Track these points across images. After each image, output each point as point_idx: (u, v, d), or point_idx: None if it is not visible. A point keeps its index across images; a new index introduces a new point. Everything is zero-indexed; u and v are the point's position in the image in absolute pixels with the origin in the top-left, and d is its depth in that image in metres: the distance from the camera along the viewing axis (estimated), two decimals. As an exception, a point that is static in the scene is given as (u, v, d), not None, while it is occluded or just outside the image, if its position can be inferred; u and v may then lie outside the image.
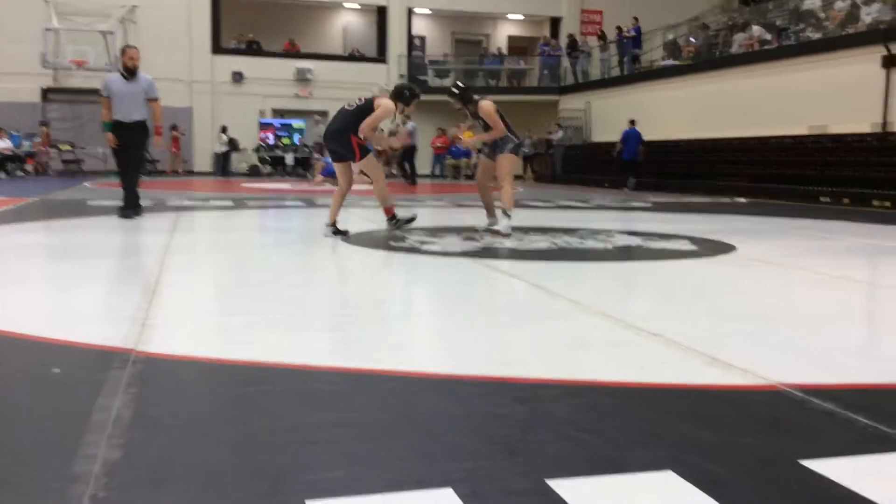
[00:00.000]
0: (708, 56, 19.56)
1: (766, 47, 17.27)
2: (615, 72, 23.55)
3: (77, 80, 23.66)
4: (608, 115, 21.41)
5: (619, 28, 23.43)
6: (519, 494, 1.72)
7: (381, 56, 28.54)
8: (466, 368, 2.77)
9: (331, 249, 6.52)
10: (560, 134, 24.16)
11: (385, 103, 7.06)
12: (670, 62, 20.71)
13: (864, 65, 14.12)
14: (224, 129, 25.20)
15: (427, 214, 10.00)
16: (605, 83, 23.57)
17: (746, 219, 10.28)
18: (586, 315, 3.76)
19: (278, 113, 27.08)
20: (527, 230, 7.65)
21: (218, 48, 26.72)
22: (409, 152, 20.36)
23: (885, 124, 13.80)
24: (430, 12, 29.84)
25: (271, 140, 26.28)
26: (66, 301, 4.07)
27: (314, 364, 2.80)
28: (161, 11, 25.35)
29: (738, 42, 18.21)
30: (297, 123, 26.47)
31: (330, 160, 19.68)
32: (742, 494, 1.73)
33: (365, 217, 9.53)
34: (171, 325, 3.41)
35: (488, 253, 6.06)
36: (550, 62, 27.02)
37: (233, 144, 25.30)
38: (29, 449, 1.99)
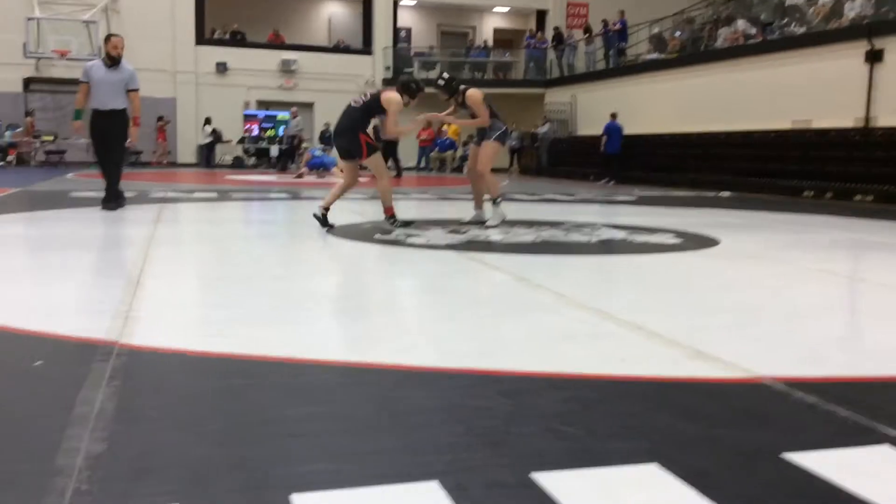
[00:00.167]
0: (693, 50, 19.61)
1: (750, 42, 17.33)
2: (601, 65, 23.56)
3: (59, 70, 23.46)
4: (594, 109, 21.44)
5: (604, 21, 23.44)
6: (503, 487, 1.73)
7: (366, 48, 28.45)
8: (450, 361, 2.77)
9: (316, 242, 6.51)
10: (546, 127, 24.19)
11: (394, 98, 7.08)
12: (656, 56, 20.75)
13: (847, 60, 14.19)
14: (208, 121, 25.06)
15: (412, 207, 9.99)
16: (591, 76, 23.58)
17: (730, 213, 10.33)
18: (570, 308, 3.77)
19: (263, 104, 26.95)
20: (512, 223, 7.66)
21: (202, 39, 26.54)
22: (392, 145, 20.33)
23: (867, 119, 13.88)
24: (415, 4, 29.78)
25: (256, 132, 26.16)
26: (49, 293, 4.04)
27: (298, 357, 2.79)
28: (144, 1, 25.16)
29: (723, 36, 18.26)
30: (281, 115, 26.34)
31: (316, 153, 19.71)
32: (725, 487, 1.74)
33: (351, 210, 9.51)
34: (155, 318, 3.39)
35: (473, 246, 6.06)
36: (536, 55, 27.01)
37: (216, 136, 25.16)
38: (11, 442, 1.98)
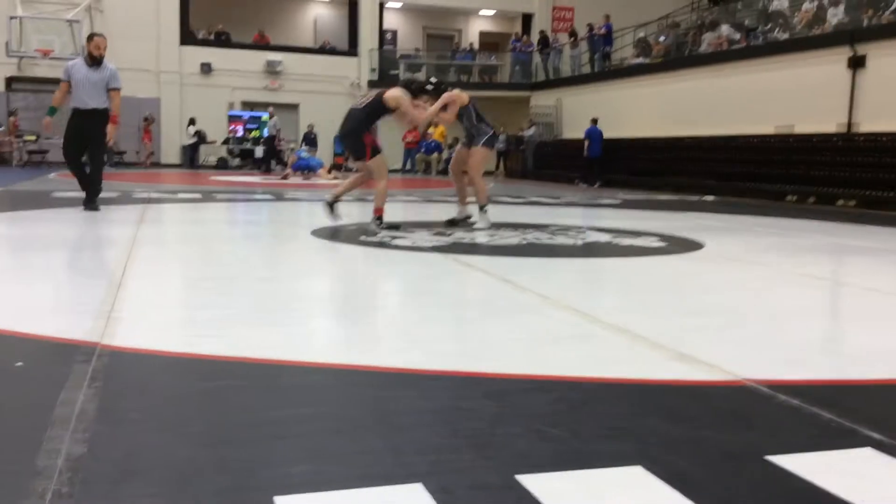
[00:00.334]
0: (677, 55, 19.72)
1: (734, 47, 17.44)
2: (586, 69, 23.64)
3: (42, 70, 23.29)
4: (579, 112, 21.51)
5: (590, 25, 23.51)
6: (488, 489, 1.72)
7: (352, 49, 28.42)
8: (435, 363, 2.77)
9: (300, 243, 6.49)
10: (532, 130, 24.25)
11: (400, 95, 7.14)
12: (640, 60, 20.85)
13: (830, 66, 14.30)
14: (192, 122, 24.95)
15: (398, 209, 9.97)
16: (576, 80, 23.66)
17: (714, 216, 10.38)
18: (556, 310, 3.77)
19: (248, 105, 26.87)
20: (498, 226, 7.67)
21: (186, 39, 26.43)
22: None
23: (850, 125, 14.00)
24: (401, 6, 29.78)
25: (240, 132, 26.07)
26: (30, 293, 4.00)
27: (283, 358, 2.78)
28: (129, 0, 25.03)
29: (708, 41, 18.37)
30: (265, 116, 26.28)
31: (302, 154, 19.68)
32: (709, 489, 1.75)
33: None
34: (138, 319, 3.37)
35: (458, 248, 6.06)
36: (522, 58, 27.07)
37: (200, 137, 25.05)
38: (-10, 443, 1.96)
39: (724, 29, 18.02)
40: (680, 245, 6.65)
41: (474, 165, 7.71)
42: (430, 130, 24.62)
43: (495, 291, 4.38)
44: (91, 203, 8.47)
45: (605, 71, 22.44)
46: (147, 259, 5.18)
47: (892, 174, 12.84)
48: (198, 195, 11.98)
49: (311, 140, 24.11)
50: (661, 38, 20.58)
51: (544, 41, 26.20)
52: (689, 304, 4.13)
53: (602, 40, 22.79)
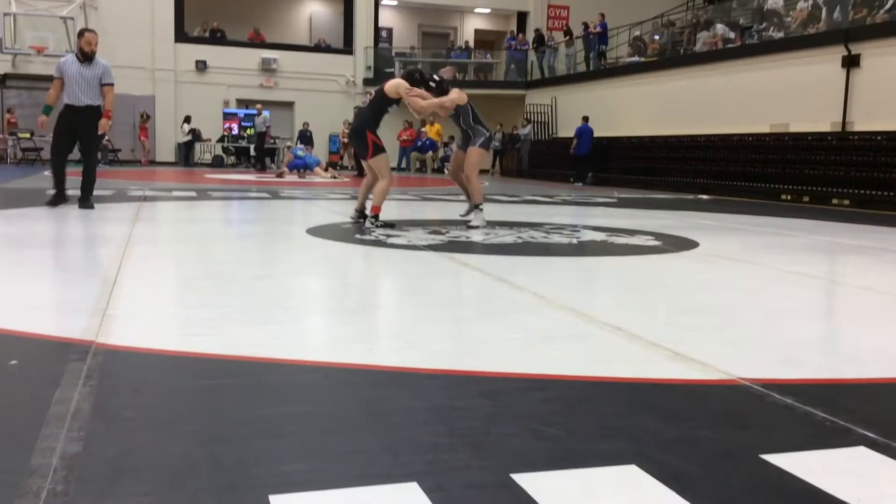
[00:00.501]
0: (673, 54, 19.75)
1: (729, 46, 17.47)
2: (581, 67, 23.66)
3: (37, 67, 23.24)
4: (574, 111, 21.53)
5: (585, 24, 23.53)
6: (483, 488, 1.72)
7: (347, 47, 28.40)
8: (430, 362, 2.77)
9: (296, 241, 6.49)
10: (528, 129, 24.26)
11: (400, 82, 7.25)
12: (635, 59, 20.87)
13: (824, 65, 14.34)
14: (187, 119, 24.90)
15: (393, 208, 9.97)
16: (571, 79, 23.68)
17: (709, 215, 10.40)
18: (551, 309, 3.78)
19: (243, 103, 26.84)
20: (493, 224, 7.68)
21: (181, 36, 26.39)
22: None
23: (844, 124, 14.04)
24: (396, 4, 29.76)
25: (235, 130, 26.03)
26: (24, 292, 3.99)
27: (277, 357, 2.78)
28: (123, -2, 24.99)
29: (703, 40, 18.39)
30: (264, 114, 26.23)
31: (298, 152, 19.69)
32: (703, 488, 1.75)
33: (331, 210, 9.50)
34: (132, 317, 3.36)
35: (453, 246, 6.06)
36: (517, 56, 27.09)
37: (195, 135, 25.01)
38: (-16, 442, 1.95)
39: (719, 28, 18.05)
40: (675, 244, 6.66)
41: (471, 165, 7.75)
42: (425, 129, 24.64)
43: (491, 290, 4.38)
44: (86, 201, 8.45)
45: (601, 69, 22.46)
46: (142, 257, 5.17)
47: (886, 173, 12.88)
48: (193, 193, 11.97)
49: (306, 138, 24.09)
50: (656, 37, 20.60)
51: (539, 39, 26.22)
52: (683, 304, 4.14)
53: (597, 39, 22.81)
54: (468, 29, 31.56)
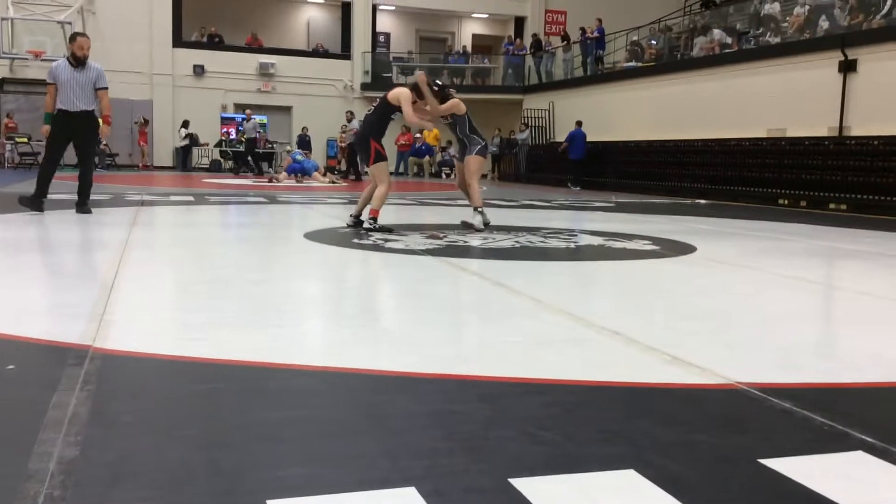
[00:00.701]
0: (670, 59, 19.78)
1: (726, 51, 17.50)
2: (578, 72, 23.69)
3: (34, 71, 23.21)
4: (571, 116, 21.55)
5: (582, 29, 23.57)
6: (481, 492, 1.72)
7: (345, 52, 28.42)
8: (429, 366, 2.77)
9: (293, 246, 6.48)
10: (526, 133, 24.29)
11: (402, 92, 7.35)
12: (633, 64, 20.90)
13: (821, 70, 14.37)
14: (185, 124, 24.89)
15: (391, 212, 9.97)
16: (569, 83, 23.71)
17: (707, 220, 10.41)
18: (549, 313, 3.78)
19: (240, 108, 26.85)
20: (491, 229, 7.68)
21: (179, 41, 26.40)
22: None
23: (841, 129, 14.06)
24: (394, 9, 29.79)
25: (233, 135, 26.03)
26: (21, 296, 3.98)
27: (275, 361, 2.77)
28: (121, 2, 25.00)
29: (700, 45, 18.43)
30: (259, 118, 26.23)
31: (297, 157, 19.71)
32: (702, 493, 1.75)
33: (329, 214, 9.50)
34: (130, 322, 3.36)
35: (451, 251, 6.06)
36: (515, 61, 27.13)
37: (192, 139, 25.00)
38: (-19, 447, 1.95)
39: (716, 33, 18.08)
40: (672, 248, 6.67)
41: (471, 173, 7.84)
42: (420, 135, 24.69)
43: (488, 295, 4.38)
44: (83, 205, 8.43)
45: (598, 74, 22.50)
46: (139, 262, 5.17)
47: (882, 178, 12.90)
48: (190, 198, 11.96)
49: (304, 143, 24.10)
50: (653, 42, 20.64)
51: (537, 44, 26.26)
52: (681, 308, 4.14)
53: (594, 44, 22.85)
54: (466, 34, 31.60)
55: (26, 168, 21.44)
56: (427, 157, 25.31)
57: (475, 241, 6.74)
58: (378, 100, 7.54)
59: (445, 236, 6.97)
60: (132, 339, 3.05)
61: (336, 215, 9.15)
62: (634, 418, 2.26)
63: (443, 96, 7.63)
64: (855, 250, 7.37)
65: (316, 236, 6.84)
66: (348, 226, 7.52)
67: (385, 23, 30.21)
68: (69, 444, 1.91)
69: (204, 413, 2.21)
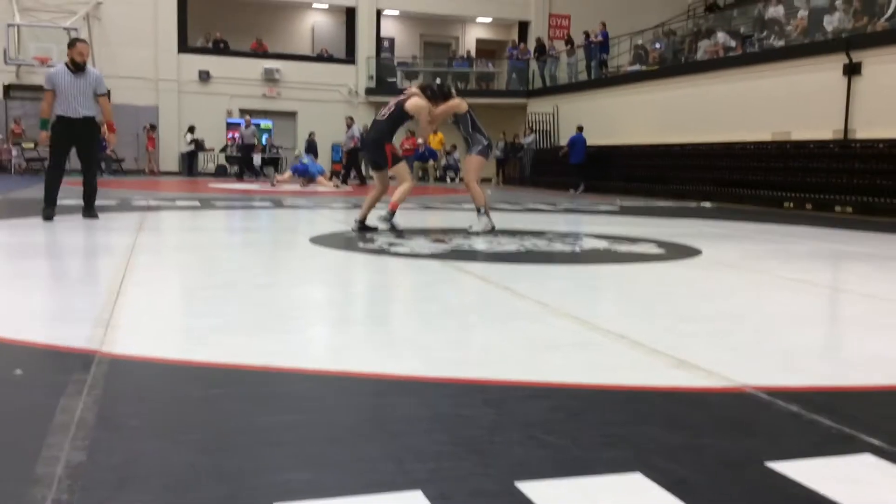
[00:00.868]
0: (674, 62, 19.77)
1: (730, 54, 17.49)
2: (582, 76, 23.69)
3: (40, 78, 23.07)
4: (576, 119, 21.56)
5: (586, 33, 23.58)
6: (487, 496, 1.72)
7: (349, 57, 28.48)
8: (434, 370, 2.77)
9: (299, 251, 6.49)
10: (531, 138, 24.30)
11: (421, 106, 7.46)
12: (637, 67, 20.90)
13: (826, 73, 14.35)
14: (191, 129, 24.96)
15: (396, 216, 9.97)
16: (573, 87, 23.72)
17: (712, 223, 10.39)
18: (553, 317, 3.77)
19: (245, 113, 26.90)
20: (496, 233, 7.68)
21: (184, 47, 26.48)
22: (353, 154, 20.70)
23: (846, 132, 14.04)
24: (398, 14, 29.84)
25: (239, 140, 26.04)
26: (28, 301, 4.00)
27: (280, 366, 2.77)
28: (127, 8, 25.08)
29: (704, 48, 18.42)
30: (264, 124, 26.29)
31: (304, 160, 19.75)
32: (709, 496, 1.75)
33: (334, 219, 9.51)
34: (137, 326, 3.36)
35: (456, 255, 6.06)
36: (519, 66, 27.15)
37: (198, 145, 25.05)
38: (-12, 451, 1.95)
39: (720, 36, 18.08)
40: (678, 251, 6.66)
41: (470, 172, 7.83)
42: (420, 140, 24.73)
43: (494, 298, 4.38)
44: (90, 211, 8.44)
45: (602, 78, 22.50)
46: (146, 267, 5.18)
47: (888, 180, 12.88)
48: (196, 203, 11.98)
49: (313, 148, 24.15)
50: (657, 46, 20.64)
51: (541, 48, 26.27)
52: (687, 311, 4.13)
53: (598, 48, 22.86)
54: (470, 38, 31.64)
55: (33, 173, 21.49)
56: (431, 162, 25.32)
57: (480, 244, 6.74)
58: (393, 106, 7.51)
59: (450, 240, 6.97)
60: (138, 343, 3.05)
61: (341, 220, 9.16)
62: (640, 422, 2.25)
63: (444, 95, 7.67)
64: (860, 253, 7.35)
65: (322, 241, 6.85)
66: (354, 230, 7.53)
67: (389, 28, 30.26)
68: (76, 449, 1.91)
69: (209, 417, 2.22)
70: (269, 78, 27.21)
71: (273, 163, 24.79)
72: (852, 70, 13.89)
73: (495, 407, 2.34)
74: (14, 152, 22.89)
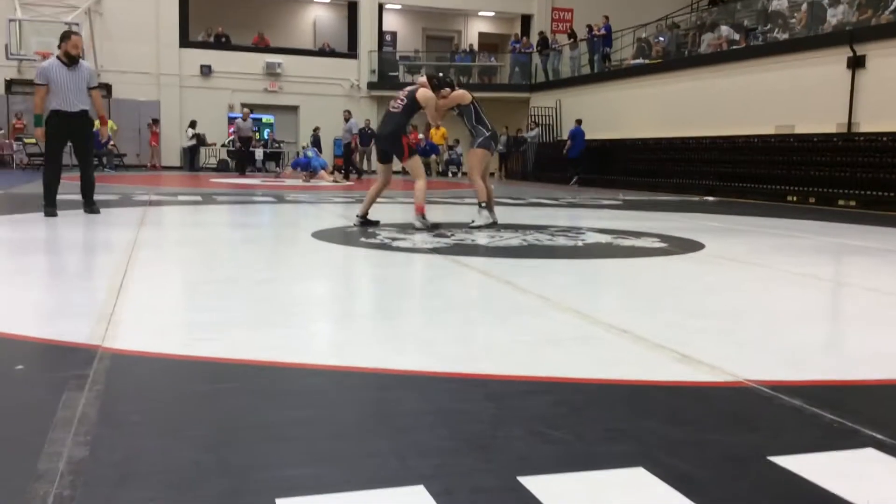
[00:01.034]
0: (677, 56, 19.73)
1: (734, 47, 17.44)
2: (585, 70, 23.65)
3: (41, 72, 23.28)
4: (578, 113, 21.53)
5: (589, 26, 23.52)
6: (490, 491, 1.72)
7: (351, 51, 28.43)
8: (437, 365, 2.77)
9: (301, 245, 6.49)
10: (535, 132, 24.27)
11: (430, 97, 7.45)
12: (640, 61, 20.85)
13: (830, 66, 14.31)
14: (193, 124, 24.93)
15: (398, 211, 9.98)
16: (576, 81, 23.66)
17: (715, 217, 10.38)
18: (556, 312, 3.77)
19: (246, 107, 26.85)
20: (498, 227, 7.68)
21: (186, 41, 26.43)
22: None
23: (850, 125, 14.00)
24: (400, 8, 29.78)
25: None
26: (30, 296, 4.00)
27: (283, 361, 2.77)
28: (128, 3, 25.04)
29: (707, 42, 18.37)
30: (266, 118, 26.26)
31: (309, 154, 19.73)
32: (711, 491, 1.74)
33: (336, 213, 9.51)
34: (138, 321, 3.36)
35: (459, 249, 6.05)
36: (521, 59, 27.08)
37: (199, 139, 25.04)
38: (-9, 447, 1.95)
39: (724, 29, 18.03)
40: (681, 246, 6.65)
41: (472, 165, 7.83)
42: (421, 136, 24.69)
43: (496, 293, 4.38)
44: (90, 205, 8.42)
45: (605, 72, 22.45)
46: (147, 262, 5.18)
47: (891, 174, 12.84)
48: (198, 197, 11.98)
49: (317, 142, 24.14)
50: (660, 39, 20.59)
51: (543, 42, 26.20)
52: (690, 305, 4.13)
53: (601, 41, 22.80)
54: (472, 32, 31.56)
55: (35, 168, 21.49)
56: (434, 156, 25.29)
57: (482, 239, 6.74)
58: (404, 97, 7.47)
59: (452, 235, 6.97)
60: (141, 339, 3.05)
61: (343, 214, 9.16)
62: (643, 416, 2.25)
63: (446, 85, 7.67)
64: (864, 247, 7.34)
65: (323, 235, 6.84)
66: (355, 225, 7.53)
67: (391, 22, 30.19)
68: (78, 444, 1.91)
69: (212, 413, 2.22)
70: (271, 72, 27.17)
71: (275, 157, 24.75)
72: (856, 63, 13.84)
73: (498, 402, 2.34)
74: (16, 147, 22.88)
